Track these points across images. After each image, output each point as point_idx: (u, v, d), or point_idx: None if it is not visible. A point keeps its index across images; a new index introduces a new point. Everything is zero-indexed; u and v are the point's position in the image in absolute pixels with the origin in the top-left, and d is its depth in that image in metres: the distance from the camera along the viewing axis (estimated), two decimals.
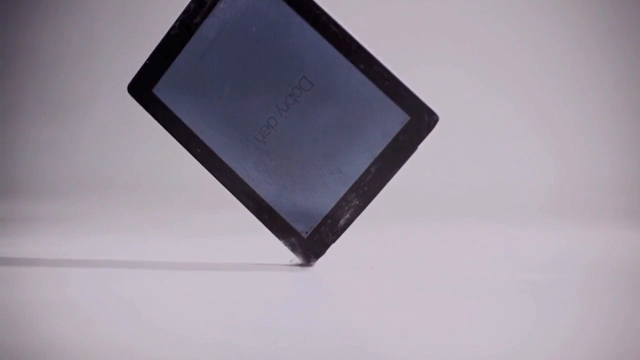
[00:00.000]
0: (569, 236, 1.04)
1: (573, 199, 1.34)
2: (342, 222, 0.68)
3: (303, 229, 0.68)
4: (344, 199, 0.67)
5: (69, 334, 0.43)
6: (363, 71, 0.65)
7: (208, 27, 0.66)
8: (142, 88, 0.68)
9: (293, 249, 0.69)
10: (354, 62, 0.65)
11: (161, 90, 0.68)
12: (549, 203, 1.33)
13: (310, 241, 0.68)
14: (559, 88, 1.49)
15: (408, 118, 0.65)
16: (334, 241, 0.68)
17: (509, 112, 1.49)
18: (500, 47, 1.52)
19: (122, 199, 1.38)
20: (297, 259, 0.70)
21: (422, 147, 0.65)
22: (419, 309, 0.52)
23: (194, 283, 0.61)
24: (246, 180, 0.68)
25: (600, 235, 1.05)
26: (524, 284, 0.63)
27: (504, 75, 1.50)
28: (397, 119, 0.65)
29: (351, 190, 0.67)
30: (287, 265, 0.70)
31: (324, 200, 0.67)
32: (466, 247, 0.93)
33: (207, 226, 1.15)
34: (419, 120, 0.65)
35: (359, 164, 0.67)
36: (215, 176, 0.68)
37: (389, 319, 0.49)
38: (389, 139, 0.66)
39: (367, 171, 0.67)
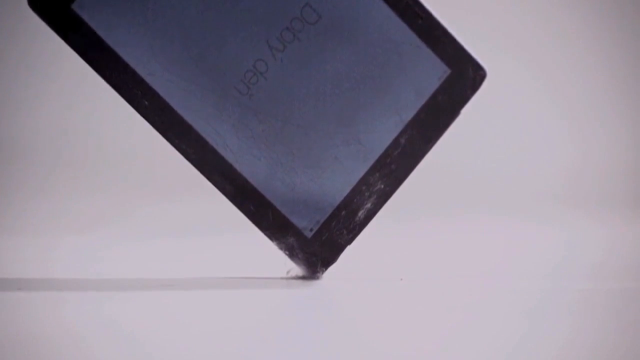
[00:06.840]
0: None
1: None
2: (361, 214, 0.62)
3: (306, 224, 0.62)
4: (364, 181, 0.62)
5: None
6: (389, 3, 0.60)
7: None
8: (53, 0, 0.60)
9: (292, 254, 0.62)
10: None
11: (86, 6, 0.59)
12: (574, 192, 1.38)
13: (317, 242, 0.62)
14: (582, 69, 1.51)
15: (448, 71, 0.61)
16: (350, 242, 0.62)
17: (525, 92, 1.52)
18: (518, 24, 1.55)
19: (42, 179, 1.29)
20: (297, 269, 0.63)
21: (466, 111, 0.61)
22: (470, 340, 0.46)
23: (155, 305, 0.56)
24: (221, 151, 0.61)
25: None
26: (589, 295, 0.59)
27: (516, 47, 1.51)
28: (434, 72, 0.61)
29: (374, 168, 0.62)
30: (283, 278, 0.64)
31: (336, 183, 0.61)
32: (516, 248, 0.93)
33: (168, 223, 1.10)
34: (462, 75, 0.61)
35: (384, 132, 0.61)
36: (173, 144, 0.61)
37: (427, 354, 0.43)
38: (424, 99, 0.61)
39: (396, 142, 0.61)
